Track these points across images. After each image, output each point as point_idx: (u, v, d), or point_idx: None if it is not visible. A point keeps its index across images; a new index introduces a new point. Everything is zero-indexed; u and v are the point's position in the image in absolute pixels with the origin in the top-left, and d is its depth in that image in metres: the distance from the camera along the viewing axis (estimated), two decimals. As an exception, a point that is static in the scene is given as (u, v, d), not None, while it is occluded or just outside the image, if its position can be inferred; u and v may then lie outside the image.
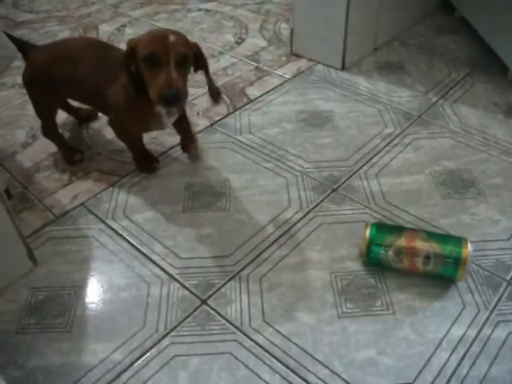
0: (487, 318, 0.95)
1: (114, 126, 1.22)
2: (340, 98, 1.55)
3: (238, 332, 0.94)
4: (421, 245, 0.99)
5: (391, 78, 1.63)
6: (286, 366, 0.88)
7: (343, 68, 1.68)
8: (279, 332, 0.93)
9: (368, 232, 1.02)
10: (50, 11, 2.16)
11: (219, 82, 1.64)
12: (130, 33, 1.95)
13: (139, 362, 0.90)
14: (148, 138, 1.34)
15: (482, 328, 0.93)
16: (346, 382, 0.86)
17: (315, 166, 1.30)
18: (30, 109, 1.30)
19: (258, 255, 1.07)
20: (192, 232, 1.13)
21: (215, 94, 1.15)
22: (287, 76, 1.66)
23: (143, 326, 0.95)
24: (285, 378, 0.87)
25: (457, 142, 1.35)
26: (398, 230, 1.04)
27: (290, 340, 0.92)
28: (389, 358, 0.89)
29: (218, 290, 1.01)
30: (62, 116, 1.43)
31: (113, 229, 1.14)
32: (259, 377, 0.87)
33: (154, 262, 1.07)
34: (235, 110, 1.52)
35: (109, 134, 1.38)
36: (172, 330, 0.94)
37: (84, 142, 1.40)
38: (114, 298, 1.01)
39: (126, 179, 1.27)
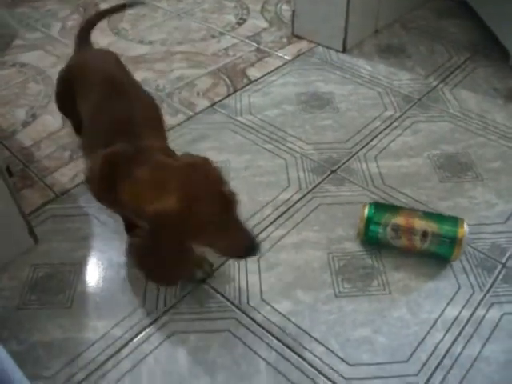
0: (481, 300, 0.96)
1: None
2: (340, 80, 1.54)
3: (237, 310, 0.95)
4: (418, 223, 1.00)
5: (392, 61, 1.63)
6: (283, 343, 0.90)
7: (344, 50, 1.67)
8: (277, 310, 0.95)
9: (366, 211, 1.03)
10: (50, -11, 2.13)
11: (220, 62, 1.64)
12: (131, 13, 1.94)
13: (139, 337, 0.91)
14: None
15: (476, 309, 0.95)
16: (342, 359, 0.88)
17: (315, 147, 1.30)
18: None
19: (257, 235, 1.08)
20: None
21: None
22: (288, 57, 1.66)
23: (143, 303, 0.97)
24: (281, 355, 0.88)
25: (456, 126, 1.36)
26: (396, 208, 1.05)
27: (287, 318, 0.94)
28: (384, 337, 0.91)
29: (217, 269, 1.02)
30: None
31: (113, 207, 1.15)
32: (256, 353, 0.89)
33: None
34: (235, 90, 1.52)
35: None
36: (171, 308, 0.96)
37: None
38: (114, 276, 1.02)
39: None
